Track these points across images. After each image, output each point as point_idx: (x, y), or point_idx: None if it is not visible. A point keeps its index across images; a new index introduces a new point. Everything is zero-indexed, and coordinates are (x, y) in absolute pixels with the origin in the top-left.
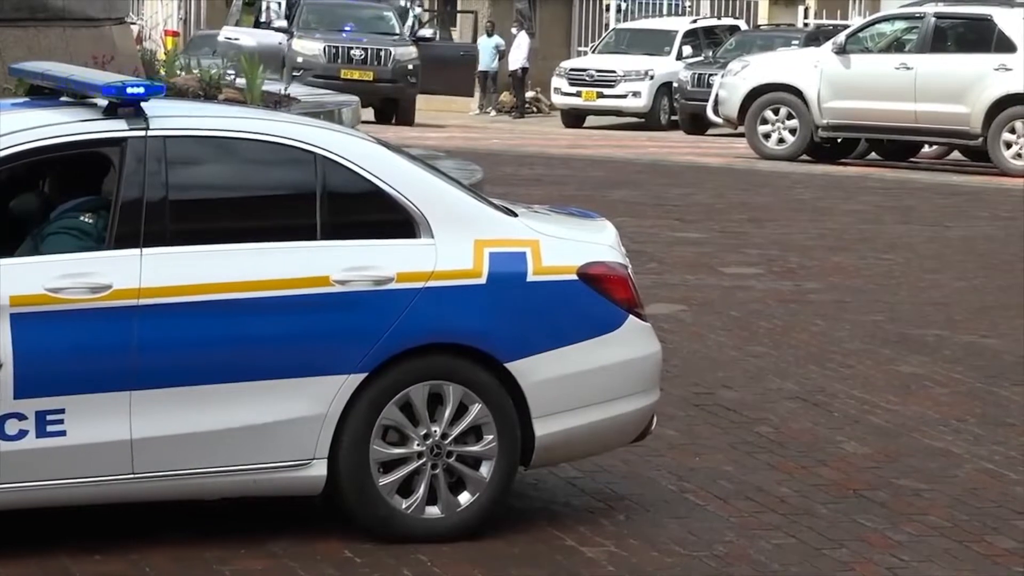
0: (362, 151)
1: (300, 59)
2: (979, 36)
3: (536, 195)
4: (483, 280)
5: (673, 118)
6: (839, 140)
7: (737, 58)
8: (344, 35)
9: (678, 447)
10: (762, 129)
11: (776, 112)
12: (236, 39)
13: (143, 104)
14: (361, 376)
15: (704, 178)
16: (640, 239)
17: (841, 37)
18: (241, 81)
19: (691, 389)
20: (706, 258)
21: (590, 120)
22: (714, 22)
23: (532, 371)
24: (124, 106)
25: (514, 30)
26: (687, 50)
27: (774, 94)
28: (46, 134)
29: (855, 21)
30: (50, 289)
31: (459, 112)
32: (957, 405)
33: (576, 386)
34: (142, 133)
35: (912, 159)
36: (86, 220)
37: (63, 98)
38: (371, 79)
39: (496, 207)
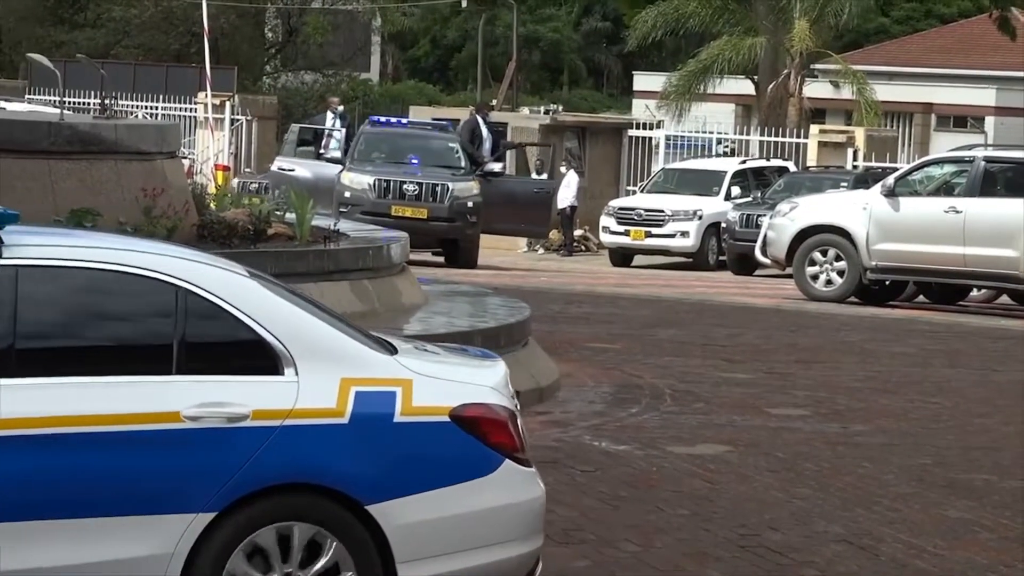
0: (226, 284)
1: (348, 194)
2: None
3: (583, 333)
4: (345, 420)
5: (721, 258)
6: (887, 282)
7: (786, 199)
8: (409, 168)
9: None
10: (810, 270)
11: (824, 254)
12: (290, 170)
13: None
14: (210, 516)
15: (752, 319)
16: (687, 379)
17: (890, 180)
18: (292, 216)
19: (737, 530)
20: (753, 399)
21: (638, 259)
22: (763, 163)
23: (396, 514)
24: None
25: (563, 169)
26: (736, 190)
27: (823, 236)
28: None
29: (904, 164)
30: None
31: (508, 250)
32: (1005, 551)
33: (445, 531)
34: None
35: (961, 302)
36: None
37: None
38: (425, 217)
39: (374, 344)
